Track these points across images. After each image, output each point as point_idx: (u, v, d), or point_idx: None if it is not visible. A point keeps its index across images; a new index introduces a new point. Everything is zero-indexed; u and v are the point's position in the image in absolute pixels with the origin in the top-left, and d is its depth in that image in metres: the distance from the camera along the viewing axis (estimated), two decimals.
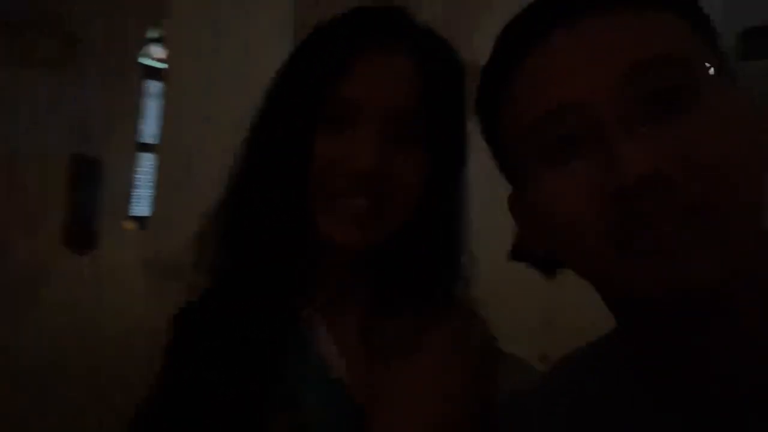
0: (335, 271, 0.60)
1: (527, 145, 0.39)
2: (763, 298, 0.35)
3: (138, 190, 7.35)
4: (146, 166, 7.45)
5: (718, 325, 0.36)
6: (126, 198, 7.22)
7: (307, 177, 0.54)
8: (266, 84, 0.75)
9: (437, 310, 0.56)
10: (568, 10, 0.37)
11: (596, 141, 0.36)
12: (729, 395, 0.36)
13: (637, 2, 0.37)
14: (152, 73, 7.50)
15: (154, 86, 7.51)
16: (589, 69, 0.36)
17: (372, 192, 0.54)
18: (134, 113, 7.36)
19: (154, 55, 7.72)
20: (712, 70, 0.36)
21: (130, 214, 7.25)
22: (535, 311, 3.29)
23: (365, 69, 0.55)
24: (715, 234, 0.34)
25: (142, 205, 7.16)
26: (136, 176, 7.46)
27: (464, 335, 0.56)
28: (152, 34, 7.44)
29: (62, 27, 6.47)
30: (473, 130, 0.53)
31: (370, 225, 0.55)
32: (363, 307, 0.59)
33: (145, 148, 7.38)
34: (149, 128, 7.43)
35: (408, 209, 0.57)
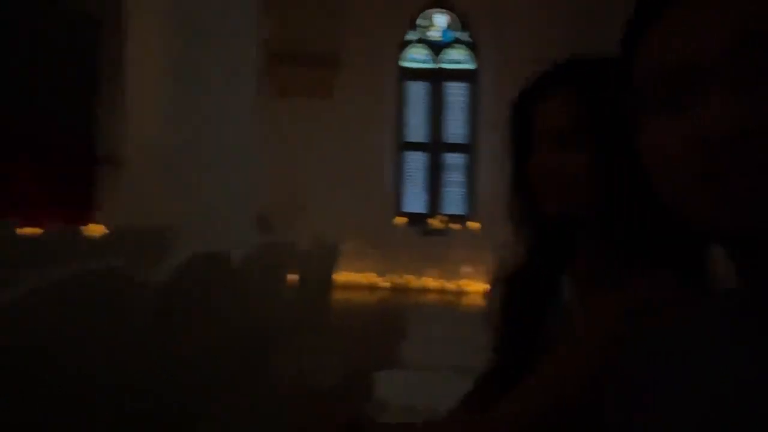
0: (576, 242, 0.85)
1: (646, 92, 0.45)
2: None
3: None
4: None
5: None
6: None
7: (531, 180, 0.85)
8: None
9: (631, 274, 0.72)
10: None
11: (697, 97, 0.41)
12: None
13: None
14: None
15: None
16: (704, 34, 0.41)
17: (550, 182, 0.82)
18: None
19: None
20: None
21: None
22: None
23: (541, 108, 0.84)
24: None
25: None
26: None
27: (633, 301, 0.69)
28: (411, 36, 8.08)
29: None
30: None
31: (556, 202, 0.82)
32: (586, 266, 0.84)
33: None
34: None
35: (580, 192, 0.79)
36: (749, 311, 0.45)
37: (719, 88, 0.41)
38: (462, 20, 8.42)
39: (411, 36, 8.52)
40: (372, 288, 7.73)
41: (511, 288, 0.94)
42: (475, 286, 7.63)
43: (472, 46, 8.41)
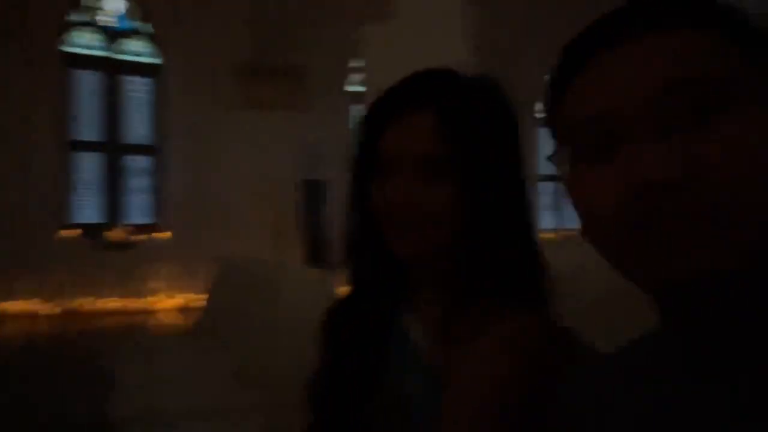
0: (423, 280, 0.76)
1: (573, 143, 0.46)
2: None
3: None
4: None
5: (740, 307, 0.41)
6: None
7: (377, 210, 0.73)
8: None
9: (497, 310, 0.68)
10: (618, 31, 0.44)
11: (623, 145, 0.42)
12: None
13: (680, 23, 0.42)
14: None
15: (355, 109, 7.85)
16: (627, 83, 0.42)
17: (408, 218, 0.70)
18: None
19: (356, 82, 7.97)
20: (747, 87, 0.40)
21: None
22: None
23: (396, 128, 0.72)
24: (720, 234, 0.39)
25: None
26: None
27: (513, 334, 0.65)
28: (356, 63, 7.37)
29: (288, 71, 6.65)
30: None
31: (414, 242, 0.71)
32: (442, 306, 0.73)
33: None
34: None
35: (444, 229, 0.70)
36: (672, 355, 0.47)
37: (647, 135, 0.41)
38: (143, 10, 7.61)
39: (77, 17, 7.31)
40: (38, 316, 6.34)
41: (337, 331, 0.81)
42: (166, 303, 6.96)
43: (155, 39, 7.67)
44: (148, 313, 6.80)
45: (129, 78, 7.59)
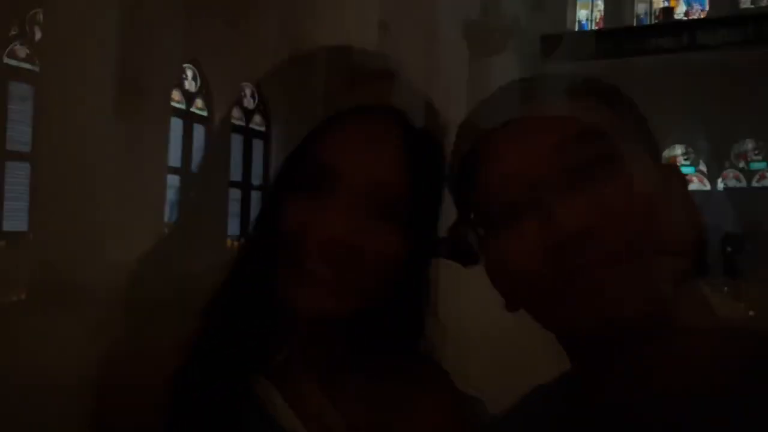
0: (295, 336, 0.57)
1: (487, 210, 0.51)
2: (675, 332, 0.46)
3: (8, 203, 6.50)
4: (17, 175, 6.44)
5: (640, 356, 0.47)
6: None
7: (275, 237, 0.53)
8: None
9: (411, 374, 0.60)
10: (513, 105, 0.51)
11: (535, 204, 0.47)
12: (640, 423, 0.46)
13: (567, 93, 0.51)
14: (16, 74, 6.65)
15: (19, 88, 6.52)
16: (526, 148, 0.48)
17: (339, 262, 0.52)
18: None
19: (19, 55, 6.57)
20: (624, 142, 0.48)
21: None
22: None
23: (349, 135, 0.54)
24: (633, 272, 0.44)
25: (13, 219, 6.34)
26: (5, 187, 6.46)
27: (446, 398, 0.61)
28: (14, 31, 6.50)
29: None
30: None
31: (333, 294, 0.53)
32: (321, 373, 0.57)
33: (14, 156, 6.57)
34: (19, 134, 6.39)
35: (377, 281, 0.55)
36: (578, 396, 0.52)
37: (550, 193, 0.47)
38: None
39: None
40: None
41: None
42: None
43: None
44: None
45: None
